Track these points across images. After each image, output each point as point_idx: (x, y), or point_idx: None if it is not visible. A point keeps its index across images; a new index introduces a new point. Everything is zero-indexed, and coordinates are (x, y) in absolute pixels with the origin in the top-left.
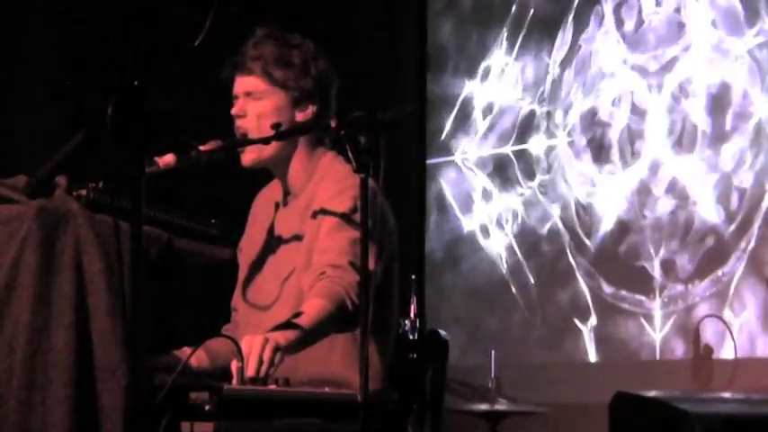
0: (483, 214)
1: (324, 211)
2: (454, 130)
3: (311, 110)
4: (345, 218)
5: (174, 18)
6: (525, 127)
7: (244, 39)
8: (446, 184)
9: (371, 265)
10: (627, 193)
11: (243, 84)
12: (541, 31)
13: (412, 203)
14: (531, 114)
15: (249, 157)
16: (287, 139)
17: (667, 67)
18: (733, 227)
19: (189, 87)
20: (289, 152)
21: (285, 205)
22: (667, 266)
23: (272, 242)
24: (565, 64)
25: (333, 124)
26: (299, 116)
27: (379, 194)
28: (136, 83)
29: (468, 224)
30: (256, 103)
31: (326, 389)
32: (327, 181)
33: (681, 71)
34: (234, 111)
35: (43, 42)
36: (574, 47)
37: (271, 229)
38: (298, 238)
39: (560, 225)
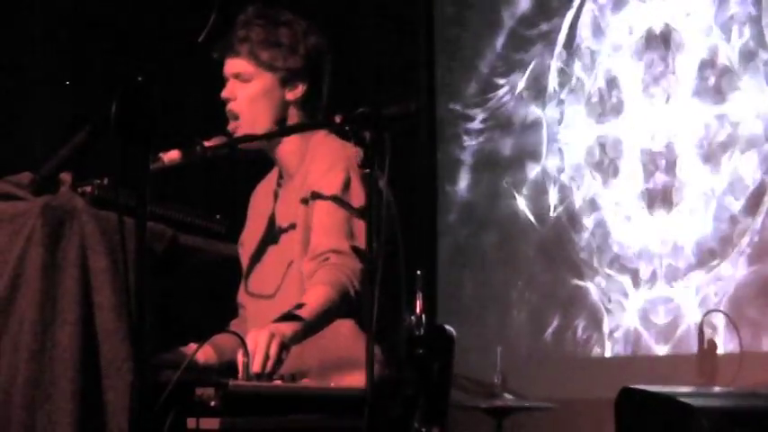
0: (492, 210)
1: (317, 193)
2: (467, 123)
3: (300, 88)
4: (339, 196)
5: (177, 14)
6: (535, 121)
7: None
8: (457, 179)
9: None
10: (630, 187)
11: (231, 66)
12: (551, 19)
13: (423, 199)
14: (542, 106)
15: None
16: (292, 134)
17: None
18: (737, 221)
19: (193, 83)
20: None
21: (282, 190)
22: (672, 261)
23: (273, 231)
24: (575, 54)
25: (338, 119)
26: (289, 95)
27: (373, 174)
28: (140, 79)
29: (478, 220)
30: (245, 86)
31: (332, 384)
32: (318, 157)
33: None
34: (224, 94)
35: (48, 39)
36: (580, 39)
37: (271, 218)
38: (294, 224)
39: (565, 220)
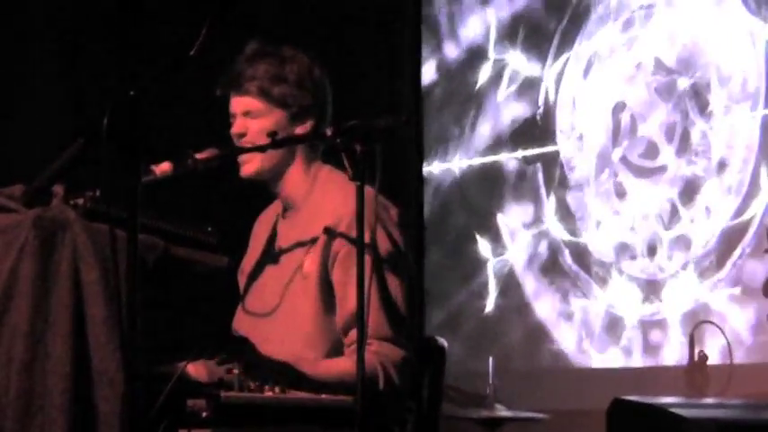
0: (480, 221)
1: (346, 245)
2: (454, 136)
3: (309, 124)
4: (394, 267)
5: (170, 27)
6: (524, 132)
7: (238, 50)
8: (444, 190)
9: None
10: (621, 198)
11: (240, 104)
12: (540, 30)
13: (410, 210)
14: (532, 119)
15: (250, 168)
16: (283, 147)
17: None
18: (729, 233)
19: (185, 96)
20: (286, 165)
21: (285, 218)
22: (664, 271)
23: (272, 252)
24: (567, 64)
25: (329, 132)
26: (299, 131)
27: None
28: (132, 92)
29: (466, 231)
30: (256, 122)
31: (323, 396)
32: (331, 194)
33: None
34: (235, 130)
35: (42, 52)
36: (574, 45)
37: (270, 241)
38: (301, 244)
39: (553, 229)
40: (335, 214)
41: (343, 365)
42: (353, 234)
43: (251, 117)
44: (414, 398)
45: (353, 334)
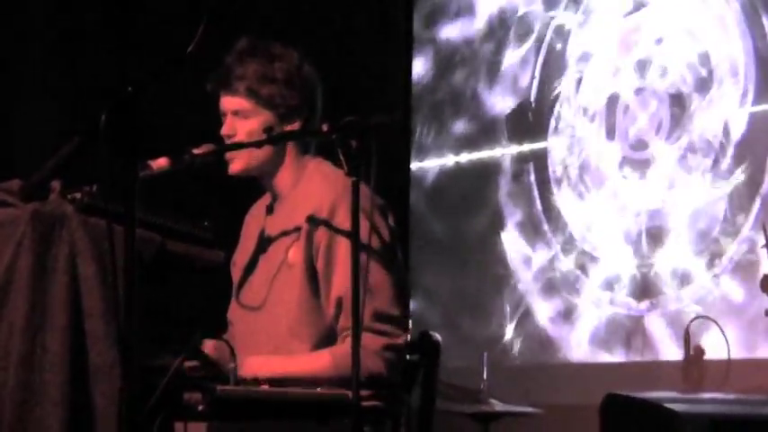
0: (472, 217)
1: (336, 233)
2: (440, 133)
3: (298, 123)
4: (376, 255)
5: (169, 27)
6: (516, 129)
7: (233, 47)
8: (431, 186)
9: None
10: (616, 193)
11: (229, 103)
12: (531, 26)
13: (396, 206)
14: (524, 115)
15: (237, 165)
16: (279, 143)
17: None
18: (725, 228)
19: (182, 91)
20: (277, 162)
21: (273, 210)
22: (659, 267)
23: (263, 245)
24: (560, 60)
25: (324, 128)
26: (288, 130)
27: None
28: (129, 88)
29: (459, 227)
30: (244, 122)
31: (318, 389)
32: (315, 182)
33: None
34: (224, 131)
35: (40, 50)
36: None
37: (261, 234)
38: (285, 233)
39: (547, 224)
40: (316, 201)
41: (322, 363)
42: (334, 221)
43: (240, 117)
44: (408, 392)
45: (343, 321)
